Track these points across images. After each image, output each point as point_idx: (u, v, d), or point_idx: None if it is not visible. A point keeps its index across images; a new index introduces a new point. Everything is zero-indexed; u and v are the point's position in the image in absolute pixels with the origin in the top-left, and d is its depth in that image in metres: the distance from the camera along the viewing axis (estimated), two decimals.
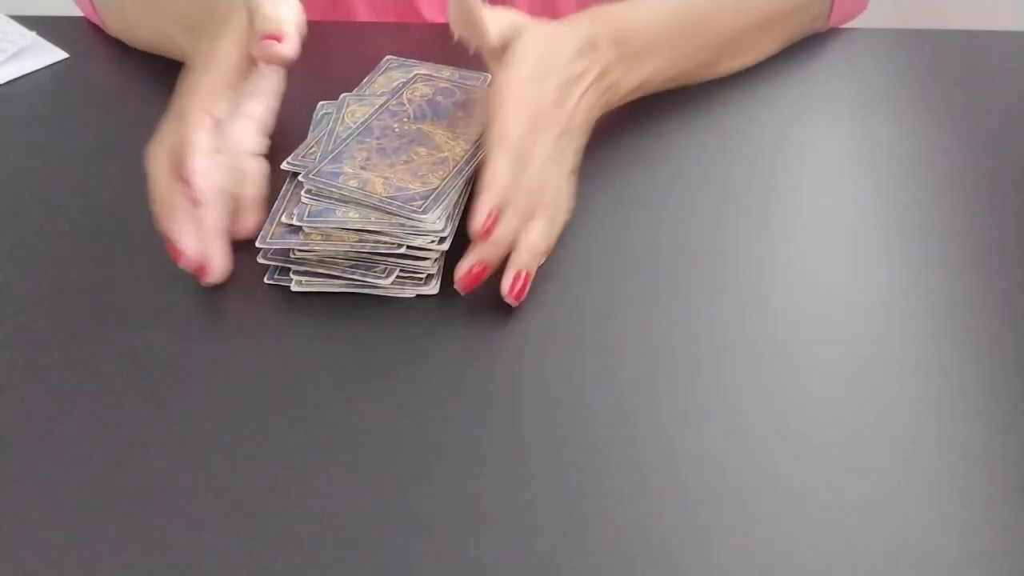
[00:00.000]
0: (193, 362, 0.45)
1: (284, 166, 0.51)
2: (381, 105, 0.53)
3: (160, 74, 0.67)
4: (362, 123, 0.52)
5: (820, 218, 0.52)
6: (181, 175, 0.45)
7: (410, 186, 0.47)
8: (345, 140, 0.50)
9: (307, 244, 0.46)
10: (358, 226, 0.46)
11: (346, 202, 0.47)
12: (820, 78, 0.64)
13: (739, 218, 0.52)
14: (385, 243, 0.46)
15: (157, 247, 0.52)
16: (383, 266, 0.47)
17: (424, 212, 0.46)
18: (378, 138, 0.50)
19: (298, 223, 0.46)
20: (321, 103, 0.57)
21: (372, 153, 0.49)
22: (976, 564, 0.36)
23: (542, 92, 0.48)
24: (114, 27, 0.69)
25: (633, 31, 0.55)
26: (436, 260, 0.47)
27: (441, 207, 0.46)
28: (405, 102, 0.53)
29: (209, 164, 0.45)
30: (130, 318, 0.47)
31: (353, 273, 0.47)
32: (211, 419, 0.42)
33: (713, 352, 0.45)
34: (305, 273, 0.47)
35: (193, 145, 0.45)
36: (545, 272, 0.49)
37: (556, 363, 0.45)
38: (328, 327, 0.47)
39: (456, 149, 0.50)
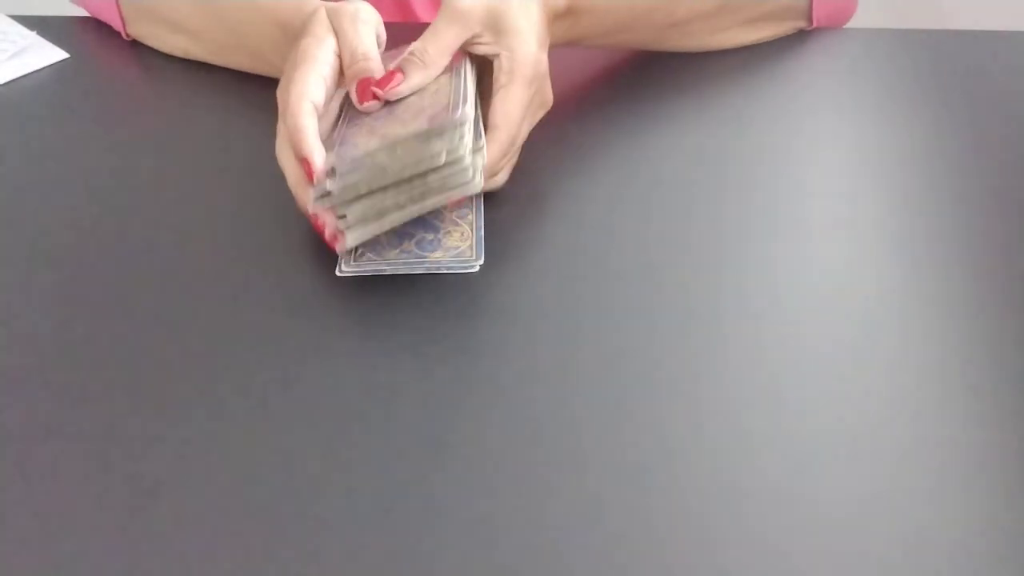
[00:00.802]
0: (194, 360, 0.45)
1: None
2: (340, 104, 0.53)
3: (160, 74, 0.67)
4: (340, 118, 0.52)
5: (818, 218, 0.53)
6: (300, 159, 0.48)
7: (427, 112, 0.48)
8: (340, 128, 0.50)
9: (351, 186, 0.46)
10: (386, 149, 0.46)
11: (373, 152, 0.47)
12: (818, 78, 0.64)
13: (736, 218, 0.53)
14: (425, 158, 0.46)
15: (157, 245, 0.52)
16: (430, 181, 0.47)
17: (456, 109, 0.47)
18: (365, 112, 0.51)
19: (330, 187, 0.46)
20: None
21: (374, 121, 0.50)
22: (977, 565, 0.37)
23: (541, 60, 0.53)
24: (141, 32, 0.69)
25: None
26: (478, 152, 0.48)
27: (468, 102, 0.47)
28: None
29: (319, 144, 0.48)
30: (130, 316, 0.47)
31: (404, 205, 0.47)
32: (212, 418, 0.42)
33: (710, 352, 0.45)
34: (356, 225, 0.48)
35: (302, 131, 0.48)
36: (545, 271, 0.49)
37: (555, 364, 0.45)
38: (329, 325, 0.47)
39: (440, 80, 0.51)
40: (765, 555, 0.37)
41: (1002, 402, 0.42)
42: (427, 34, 0.51)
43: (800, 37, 0.68)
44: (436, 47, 0.51)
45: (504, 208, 0.53)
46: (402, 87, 0.50)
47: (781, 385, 0.43)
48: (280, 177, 0.51)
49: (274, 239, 0.52)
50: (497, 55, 0.52)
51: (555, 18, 0.56)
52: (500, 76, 0.52)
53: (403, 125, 0.48)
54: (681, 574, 0.36)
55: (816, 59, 0.66)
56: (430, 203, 0.48)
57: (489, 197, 0.53)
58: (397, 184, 0.47)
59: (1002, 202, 0.53)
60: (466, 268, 0.49)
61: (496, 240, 0.51)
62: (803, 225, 0.52)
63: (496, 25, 0.52)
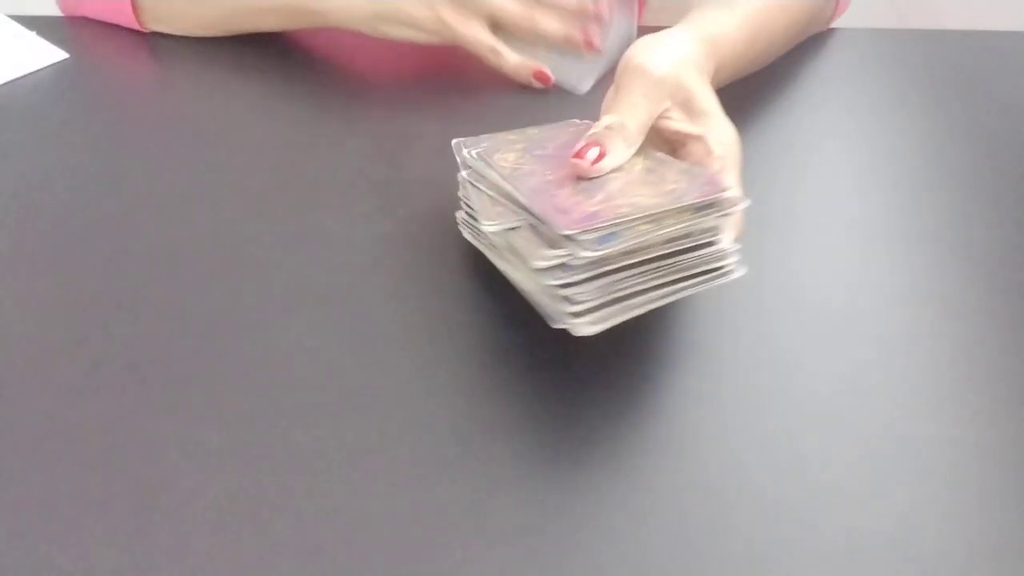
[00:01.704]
0: (194, 360, 0.45)
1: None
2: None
3: (160, 74, 0.67)
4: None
5: (819, 217, 0.53)
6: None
7: (679, 185, 0.42)
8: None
9: (602, 258, 0.39)
10: (650, 219, 0.40)
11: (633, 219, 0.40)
12: (820, 78, 0.64)
13: None
14: (696, 232, 0.41)
15: (156, 245, 0.52)
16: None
17: (721, 184, 0.42)
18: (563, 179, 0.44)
19: (575, 255, 0.39)
20: (457, 140, 0.49)
21: (586, 186, 0.43)
22: (976, 564, 0.37)
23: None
24: (162, 12, 0.69)
25: (720, 53, 0.53)
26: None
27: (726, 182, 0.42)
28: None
29: None
30: (131, 316, 0.47)
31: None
32: (213, 418, 0.42)
33: (712, 351, 0.45)
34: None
35: None
36: None
37: (551, 363, 0.45)
38: (329, 324, 0.47)
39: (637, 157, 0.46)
40: (763, 550, 0.37)
41: (1003, 401, 0.42)
42: (622, 105, 0.45)
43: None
44: (636, 122, 0.45)
45: None
46: (605, 164, 0.43)
47: (781, 384, 0.43)
48: (279, 175, 0.51)
49: (275, 238, 0.52)
50: (699, 137, 0.46)
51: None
52: (708, 160, 0.45)
53: (650, 196, 0.41)
54: (677, 570, 0.36)
55: (818, 59, 0.66)
56: (682, 288, 0.41)
57: None
58: (644, 263, 0.40)
59: (1002, 200, 0.53)
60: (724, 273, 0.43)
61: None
62: (803, 224, 0.52)
63: (688, 103, 0.46)
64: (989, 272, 0.49)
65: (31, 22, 0.71)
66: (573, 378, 0.44)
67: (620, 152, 0.44)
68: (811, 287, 0.48)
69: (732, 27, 0.54)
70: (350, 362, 0.45)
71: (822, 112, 0.61)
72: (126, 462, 0.41)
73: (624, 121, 0.45)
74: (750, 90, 0.63)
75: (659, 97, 0.46)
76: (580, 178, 0.44)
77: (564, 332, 0.39)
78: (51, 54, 0.68)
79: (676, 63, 0.46)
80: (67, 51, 0.69)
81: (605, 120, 0.45)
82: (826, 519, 0.38)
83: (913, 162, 0.57)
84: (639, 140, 0.45)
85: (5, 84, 0.66)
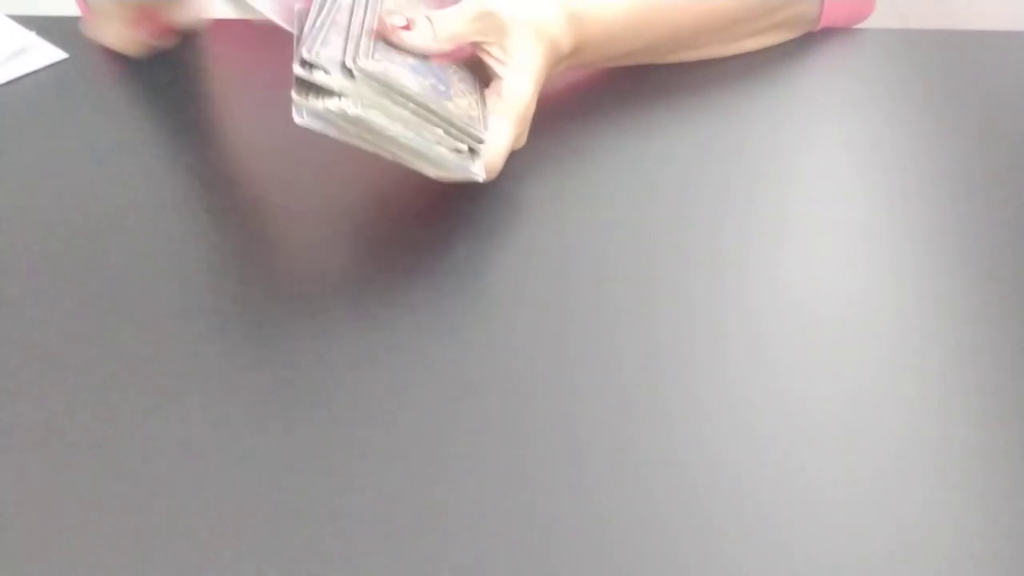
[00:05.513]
0: (193, 360, 0.45)
1: None
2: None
3: (161, 74, 0.67)
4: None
5: (819, 218, 0.52)
6: None
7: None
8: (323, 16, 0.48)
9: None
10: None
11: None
12: (820, 78, 0.64)
13: (738, 218, 0.52)
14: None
15: (157, 247, 0.52)
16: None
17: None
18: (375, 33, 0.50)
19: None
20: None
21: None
22: (975, 564, 0.36)
23: (531, 104, 0.53)
24: None
25: (590, 25, 0.57)
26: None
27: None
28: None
29: None
30: (130, 317, 0.47)
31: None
32: (212, 418, 0.42)
33: (712, 351, 0.45)
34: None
35: None
36: (545, 270, 0.49)
37: (556, 363, 0.45)
38: (327, 325, 0.47)
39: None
40: (764, 551, 0.37)
41: (1001, 401, 0.42)
42: (453, 13, 0.51)
43: (805, 37, 0.68)
44: (452, 31, 0.51)
45: (507, 210, 0.53)
46: (404, 40, 0.50)
47: (779, 383, 0.43)
48: (282, 174, 0.51)
49: (274, 235, 0.52)
50: (498, 79, 0.52)
51: (558, 61, 0.56)
52: (496, 100, 0.52)
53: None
54: (679, 571, 0.36)
55: (819, 59, 0.66)
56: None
57: (487, 202, 0.53)
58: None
59: (1002, 202, 0.53)
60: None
61: (496, 241, 0.51)
62: (805, 224, 0.52)
63: (505, 45, 0.52)
64: (990, 273, 0.49)
65: (31, 22, 0.71)
66: (574, 380, 0.44)
67: (422, 38, 0.50)
68: (809, 286, 0.48)
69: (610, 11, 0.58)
70: (351, 362, 0.45)
71: (821, 112, 0.61)
72: (126, 462, 0.41)
73: (445, 24, 0.51)
74: (748, 89, 0.63)
75: (483, 26, 0.52)
76: (378, 34, 0.49)
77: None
78: (51, 54, 0.68)
79: (522, 13, 0.52)
80: (67, 51, 0.68)
81: (429, 12, 0.51)
82: (822, 517, 0.38)
83: (912, 162, 0.57)
84: (444, 46, 0.51)
85: (5, 84, 0.66)
